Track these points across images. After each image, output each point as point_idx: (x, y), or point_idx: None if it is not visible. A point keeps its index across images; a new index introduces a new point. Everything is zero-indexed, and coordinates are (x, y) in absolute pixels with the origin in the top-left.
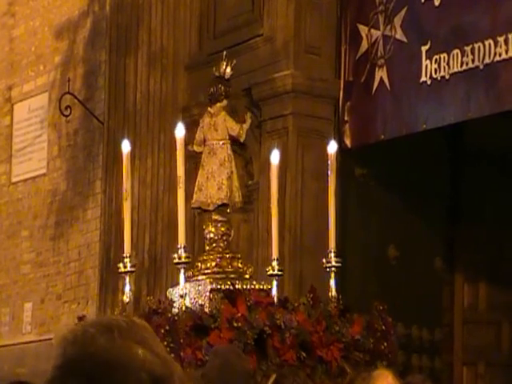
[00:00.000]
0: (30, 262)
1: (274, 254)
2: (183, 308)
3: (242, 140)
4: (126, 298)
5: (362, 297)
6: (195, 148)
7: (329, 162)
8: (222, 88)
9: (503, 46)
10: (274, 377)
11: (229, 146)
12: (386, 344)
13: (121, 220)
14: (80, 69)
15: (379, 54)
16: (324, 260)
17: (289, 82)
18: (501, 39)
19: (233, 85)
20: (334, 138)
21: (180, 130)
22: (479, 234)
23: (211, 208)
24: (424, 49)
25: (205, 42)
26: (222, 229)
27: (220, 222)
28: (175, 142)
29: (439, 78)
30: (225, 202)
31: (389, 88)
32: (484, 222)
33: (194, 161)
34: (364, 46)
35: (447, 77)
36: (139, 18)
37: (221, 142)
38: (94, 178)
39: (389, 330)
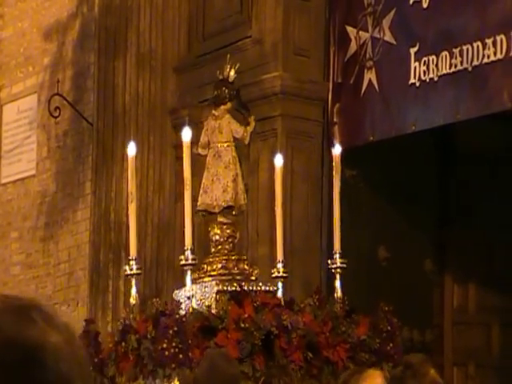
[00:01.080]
0: (20, 263)
1: (279, 256)
2: (190, 309)
3: (246, 142)
4: (132, 301)
5: (352, 298)
6: (200, 151)
7: (333, 164)
8: (226, 91)
9: (491, 48)
10: (262, 378)
11: (233, 148)
12: (391, 345)
13: (110, 221)
14: (69, 70)
15: (368, 55)
16: (329, 261)
17: (277, 84)
18: (489, 41)
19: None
20: (323, 140)
21: (186, 134)
22: (469, 235)
23: (217, 210)
24: (413, 51)
25: (193, 44)
26: (228, 231)
27: (225, 224)
28: (164, 143)
29: (428, 80)
30: (230, 204)
31: (378, 90)
32: (474, 223)
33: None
34: (353, 47)
35: (436, 79)
36: (128, 19)
37: (225, 145)
38: (83, 180)
39: (394, 331)
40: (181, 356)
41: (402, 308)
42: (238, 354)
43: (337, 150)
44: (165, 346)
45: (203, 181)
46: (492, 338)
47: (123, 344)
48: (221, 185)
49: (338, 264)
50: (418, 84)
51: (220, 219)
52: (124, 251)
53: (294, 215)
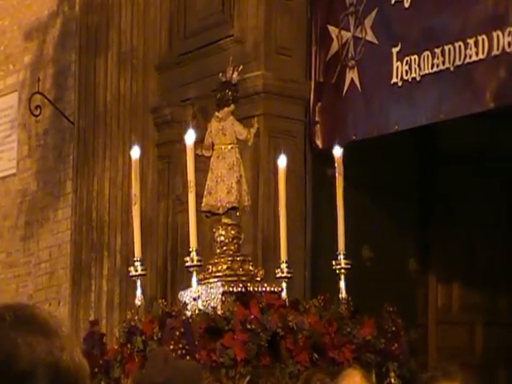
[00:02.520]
0: (0, 262)
1: (283, 256)
2: (196, 310)
3: (249, 144)
4: (137, 302)
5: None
6: (204, 152)
7: (336, 165)
8: (230, 93)
9: (473, 48)
10: (248, 377)
11: (237, 149)
12: (396, 345)
13: (92, 220)
14: (50, 69)
15: (350, 55)
16: (334, 262)
17: (259, 83)
18: (471, 41)
19: (203, 85)
20: (305, 139)
21: (190, 137)
22: (453, 235)
23: (221, 211)
24: (395, 50)
25: (175, 43)
26: (233, 232)
27: (230, 225)
28: (146, 142)
29: (410, 80)
30: (234, 205)
31: (360, 89)
32: (457, 223)
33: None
34: (334, 47)
35: (418, 78)
36: (109, 18)
37: (229, 146)
38: (64, 178)
39: (399, 331)
40: (188, 357)
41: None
42: (245, 355)
43: (337, 151)
44: (171, 347)
45: (207, 182)
46: (476, 337)
47: (129, 345)
48: (225, 186)
49: (343, 265)
50: (400, 84)
51: (224, 220)
52: (106, 250)
53: (277, 214)
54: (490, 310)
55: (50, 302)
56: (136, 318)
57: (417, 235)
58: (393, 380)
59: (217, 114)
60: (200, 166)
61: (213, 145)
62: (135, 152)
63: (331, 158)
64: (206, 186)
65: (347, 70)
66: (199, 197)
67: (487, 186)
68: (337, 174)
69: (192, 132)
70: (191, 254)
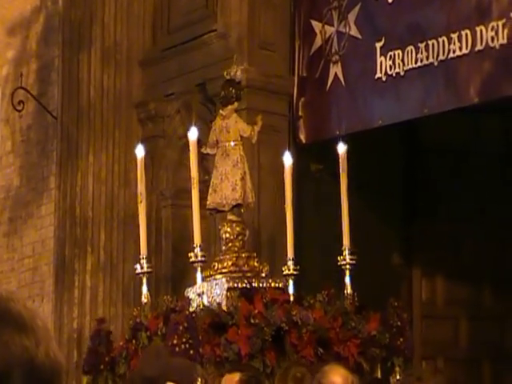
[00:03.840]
0: None
1: (290, 253)
2: (201, 306)
3: (253, 141)
4: (143, 299)
5: (319, 291)
6: (208, 150)
7: (340, 161)
8: (233, 91)
9: (457, 43)
10: (239, 376)
11: (241, 147)
12: (401, 340)
13: (75, 216)
14: (33, 64)
15: (333, 50)
16: (339, 258)
17: (243, 78)
18: (454, 36)
19: (187, 80)
20: (289, 134)
21: (193, 133)
22: (436, 229)
23: (226, 209)
24: (378, 45)
25: (159, 38)
26: (238, 228)
27: (235, 222)
28: (130, 137)
29: (394, 75)
30: (239, 202)
31: (344, 84)
32: (440, 217)
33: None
34: (318, 42)
35: (402, 73)
36: (92, 13)
37: (233, 144)
38: (47, 174)
39: (404, 326)
40: (191, 352)
41: (370, 302)
42: (249, 350)
43: (341, 148)
44: (175, 341)
45: (212, 179)
46: (460, 330)
47: (134, 341)
48: (229, 183)
49: (348, 260)
50: (384, 78)
51: (230, 217)
52: (90, 246)
53: (262, 208)
54: (475, 304)
55: (34, 299)
56: (142, 314)
57: (401, 229)
58: (398, 375)
59: (221, 111)
60: (184, 162)
61: (217, 142)
62: (140, 151)
63: (315, 152)
64: (211, 184)
65: (331, 64)
66: (183, 192)
67: (470, 180)
68: (340, 170)
69: (195, 129)
70: (195, 250)
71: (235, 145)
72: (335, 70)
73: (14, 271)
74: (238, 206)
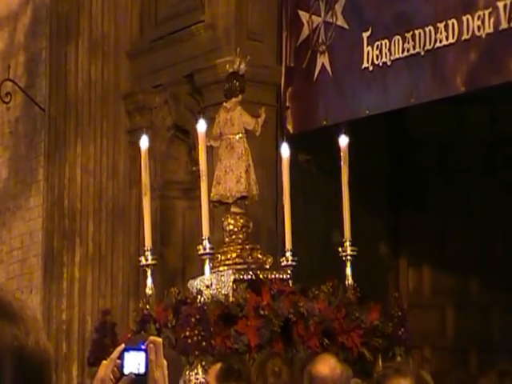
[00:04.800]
0: None
1: (288, 245)
2: (209, 298)
3: (257, 134)
4: (148, 291)
5: (306, 282)
6: (212, 143)
7: (341, 155)
8: (237, 83)
9: (443, 33)
10: (219, 365)
11: (245, 140)
12: (402, 329)
13: (64, 207)
14: (21, 56)
15: (320, 40)
16: (340, 249)
17: (230, 69)
18: (441, 25)
19: (174, 71)
20: (277, 125)
21: (202, 125)
22: (422, 218)
23: (230, 201)
24: (365, 35)
25: (146, 29)
26: (241, 221)
27: (239, 214)
28: (118, 128)
29: (381, 65)
30: (244, 194)
31: (331, 74)
32: (427, 206)
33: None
34: (305, 32)
35: (389, 63)
36: (80, 4)
37: (237, 137)
38: (36, 166)
39: (405, 316)
40: (204, 344)
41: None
42: (259, 341)
43: (343, 141)
44: (187, 333)
45: (216, 172)
46: (447, 320)
47: (142, 333)
48: (234, 176)
49: (349, 252)
50: (371, 68)
51: (233, 209)
52: (78, 237)
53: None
54: (461, 294)
55: (23, 290)
56: (148, 306)
57: (387, 219)
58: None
59: (225, 104)
60: (172, 153)
61: (221, 135)
62: (144, 142)
63: (302, 143)
64: (215, 176)
65: (318, 54)
66: (171, 183)
67: (456, 169)
68: (342, 163)
69: (203, 121)
70: (203, 243)
71: (240, 138)
72: (322, 60)
73: (3, 263)
74: (242, 198)
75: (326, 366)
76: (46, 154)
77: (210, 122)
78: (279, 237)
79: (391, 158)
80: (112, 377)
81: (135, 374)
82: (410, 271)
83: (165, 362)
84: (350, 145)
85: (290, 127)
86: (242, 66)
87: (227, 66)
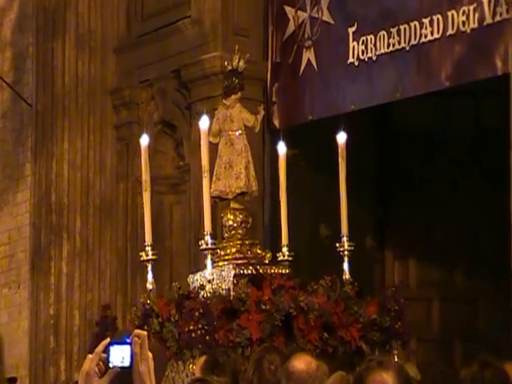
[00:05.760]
0: None
1: (284, 240)
2: (208, 293)
3: (256, 131)
4: (149, 285)
5: (295, 275)
6: (211, 139)
7: (339, 151)
8: (237, 81)
9: (428, 28)
10: (204, 357)
11: (245, 136)
12: (399, 323)
13: (51, 202)
14: (8, 52)
15: (306, 35)
16: (337, 244)
17: (217, 64)
18: (426, 21)
19: (161, 67)
20: (263, 119)
21: (204, 123)
22: (408, 211)
23: (230, 197)
24: (351, 30)
25: (133, 24)
26: (241, 216)
27: (238, 209)
28: (105, 124)
29: (366, 60)
30: (244, 190)
31: (316, 69)
32: (412, 199)
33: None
34: (291, 27)
35: (374, 58)
36: (66, 0)
37: (237, 133)
38: (23, 161)
39: (402, 310)
40: (207, 337)
41: None
42: (260, 335)
43: (341, 137)
44: (191, 327)
45: (215, 168)
46: (432, 312)
47: (145, 327)
48: (233, 172)
49: (346, 247)
50: (356, 63)
51: (233, 205)
52: (65, 232)
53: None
54: (447, 286)
55: (10, 285)
56: (148, 301)
57: (373, 213)
58: (396, 357)
59: (224, 101)
60: (160, 148)
61: (220, 131)
62: (144, 140)
63: (290, 138)
64: (215, 172)
65: (304, 50)
66: (158, 178)
67: (441, 162)
68: (340, 159)
69: (206, 118)
70: (205, 238)
71: (239, 134)
72: (308, 55)
73: None
74: (242, 194)
75: (302, 361)
76: (33, 149)
77: (197, 117)
78: (267, 229)
79: (377, 152)
80: (97, 370)
81: (120, 367)
82: (395, 264)
83: (150, 355)
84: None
85: (276, 122)
86: (241, 64)
87: (225, 62)
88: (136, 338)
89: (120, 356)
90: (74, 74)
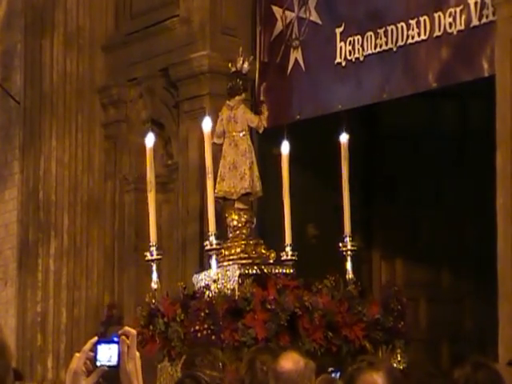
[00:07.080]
0: None
1: (288, 240)
2: (216, 292)
3: (260, 131)
4: (153, 285)
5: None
6: (215, 140)
7: (342, 151)
8: (241, 82)
9: (415, 29)
10: (184, 356)
11: (249, 137)
12: (402, 323)
13: (39, 200)
14: None
15: (294, 35)
16: (340, 244)
17: (205, 63)
18: (413, 22)
19: (150, 65)
20: None
21: (207, 124)
22: (395, 211)
23: (235, 197)
24: (338, 31)
25: (121, 23)
26: (245, 216)
27: (243, 210)
28: (93, 122)
29: (354, 60)
30: (248, 191)
31: (304, 69)
32: (399, 200)
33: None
34: (279, 27)
35: (361, 58)
36: None
37: (241, 134)
38: (11, 159)
39: (404, 310)
40: (213, 337)
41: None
42: (266, 334)
43: (343, 137)
44: (197, 327)
45: (220, 169)
46: (420, 312)
47: (151, 327)
48: (238, 172)
49: (349, 247)
50: (343, 64)
51: (237, 205)
52: (53, 230)
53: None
54: (434, 286)
55: None
56: (153, 300)
57: (359, 212)
58: (399, 356)
59: (228, 102)
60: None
61: (224, 132)
62: (150, 139)
63: (276, 136)
64: (219, 173)
65: (291, 50)
66: (146, 176)
67: (428, 162)
68: (342, 159)
69: (208, 119)
70: (210, 238)
71: (243, 135)
72: (295, 55)
73: None
74: (246, 194)
75: (290, 360)
76: (21, 146)
77: (186, 116)
78: (254, 228)
79: (364, 152)
80: (84, 369)
81: (108, 366)
82: (382, 264)
83: (138, 354)
84: (325, 138)
85: (264, 121)
86: (246, 66)
87: (229, 64)
88: (123, 337)
89: (107, 355)
90: (62, 72)
